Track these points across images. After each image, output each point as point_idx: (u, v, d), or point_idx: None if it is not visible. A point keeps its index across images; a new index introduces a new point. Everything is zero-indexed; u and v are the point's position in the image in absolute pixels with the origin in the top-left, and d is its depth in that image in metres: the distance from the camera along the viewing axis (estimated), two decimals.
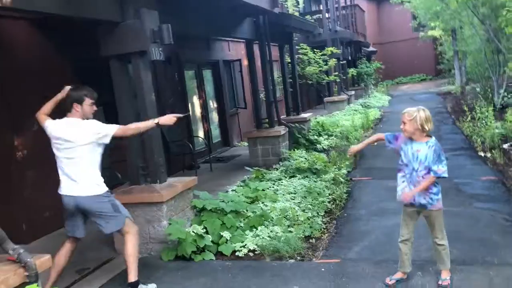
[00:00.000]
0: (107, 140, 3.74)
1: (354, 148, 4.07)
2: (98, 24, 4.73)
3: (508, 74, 12.27)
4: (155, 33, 4.64)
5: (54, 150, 3.75)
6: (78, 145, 3.65)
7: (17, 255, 2.81)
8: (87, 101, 3.78)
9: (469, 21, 14.11)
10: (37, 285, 2.74)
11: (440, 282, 3.63)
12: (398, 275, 3.77)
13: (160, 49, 4.79)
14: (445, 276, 3.65)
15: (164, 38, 4.66)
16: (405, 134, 3.58)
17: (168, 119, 3.90)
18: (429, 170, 3.51)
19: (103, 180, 3.80)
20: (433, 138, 3.56)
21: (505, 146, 8.50)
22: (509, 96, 12.58)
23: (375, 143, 4.00)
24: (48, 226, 5.63)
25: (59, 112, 3.87)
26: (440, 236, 3.64)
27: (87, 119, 3.80)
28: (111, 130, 3.74)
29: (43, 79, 5.78)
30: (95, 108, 3.87)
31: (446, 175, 3.50)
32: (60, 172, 3.75)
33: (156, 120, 3.91)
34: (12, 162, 5.39)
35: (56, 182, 3.96)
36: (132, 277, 3.83)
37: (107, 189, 3.79)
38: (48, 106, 3.93)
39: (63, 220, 3.92)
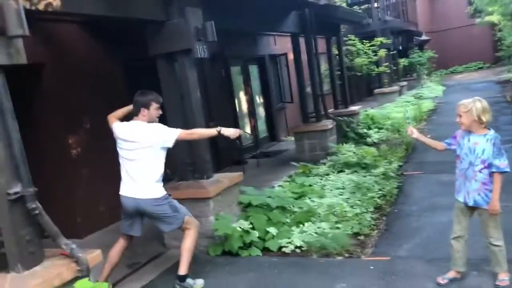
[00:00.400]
0: (170, 144, 3.82)
1: (414, 130, 3.81)
2: (146, 24, 4.83)
3: None
4: (199, 31, 4.68)
5: (119, 150, 3.89)
6: (141, 147, 3.76)
7: (69, 250, 2.93)
8: (154, 106, 3.89)
9: None
10: (88, 279, 2.85)
11: (497, 283, 3.42)
12: (451, 274, 3.60)
13: (204, 46, 4.82)
14: (504, 277, 3.43)
15: (208, 35, 4.70)
16: (462, 127, 3.41)
17: (231, 132, 3.97)
18: (488, 164, 3.31)
19: (162, 183, 3.88)
20: (492, 130, 3.35)
21: None
22: None
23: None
24: (102, 221, 5.85)
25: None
26: (496, 236, 3.41)
27: (153, 122, 3.91)
28: (175, 134, 3.83)
29: (94, 79, 6.00)
30: (160, 112, 3.99)
31: (508, 169, 3.30)
32: (122, 172, 3.89)
33: (218, 129, 3.94)
34: (66, 160, 5.64)
35: (111, 178, 4.09)
36: (183, 270, 3.89)
37: (165, 192, 3.87)
38: (120, 112, 4.12)
39: (117, 215, 4.05)
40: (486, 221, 3.42)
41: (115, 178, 3.89)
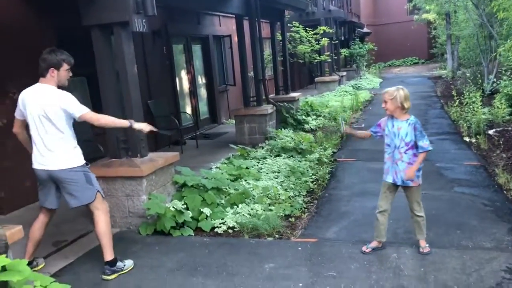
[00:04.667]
0: (76, 116, 3.55)
1: (347, 128, 4.30)
2: None
3: (499, 60, 12.25)
4: (138, 3, 4.51)
5: (27, 119, 3.60)
6: (49, 114, 3.49)
7: None
8: (65, 66, 3.59)
9: (463, 5, 14.03)
10: (6, 257, 2.70)
11: (421, 250, 3.86)
12: (374, 244, 3.97)
13: (144, 20, 4.66)
14: (425, 244, 3.88)
15: (148, 8, 4.54)
16: (387, 112, 3.77)
17: (143, 127, 3.86)
18: (411, 146, 3.70)
19: (79, 152, 3.69)
20: (412, 116, 3.75)
21: (491, 132, 8.55)
22: (498, 82, 12.63)
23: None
24: (28, 197, 5.56)
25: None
26: (418, 208, 3.85)
27: (63, 85, 3.64)
28: (80, 112, 3.51)
29: (25, 47, 5.63)
30: (70, 74, 3.69)
31: (431, 147, 3.71)
32: (32, 143, 3.63)
33: (131, 123, 3.76)
34: None
35: None
36: (109, 255, 3.77)
37: (83, 162, 3.68)
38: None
39: None
40: (411, 197, 3.83)
41: None
